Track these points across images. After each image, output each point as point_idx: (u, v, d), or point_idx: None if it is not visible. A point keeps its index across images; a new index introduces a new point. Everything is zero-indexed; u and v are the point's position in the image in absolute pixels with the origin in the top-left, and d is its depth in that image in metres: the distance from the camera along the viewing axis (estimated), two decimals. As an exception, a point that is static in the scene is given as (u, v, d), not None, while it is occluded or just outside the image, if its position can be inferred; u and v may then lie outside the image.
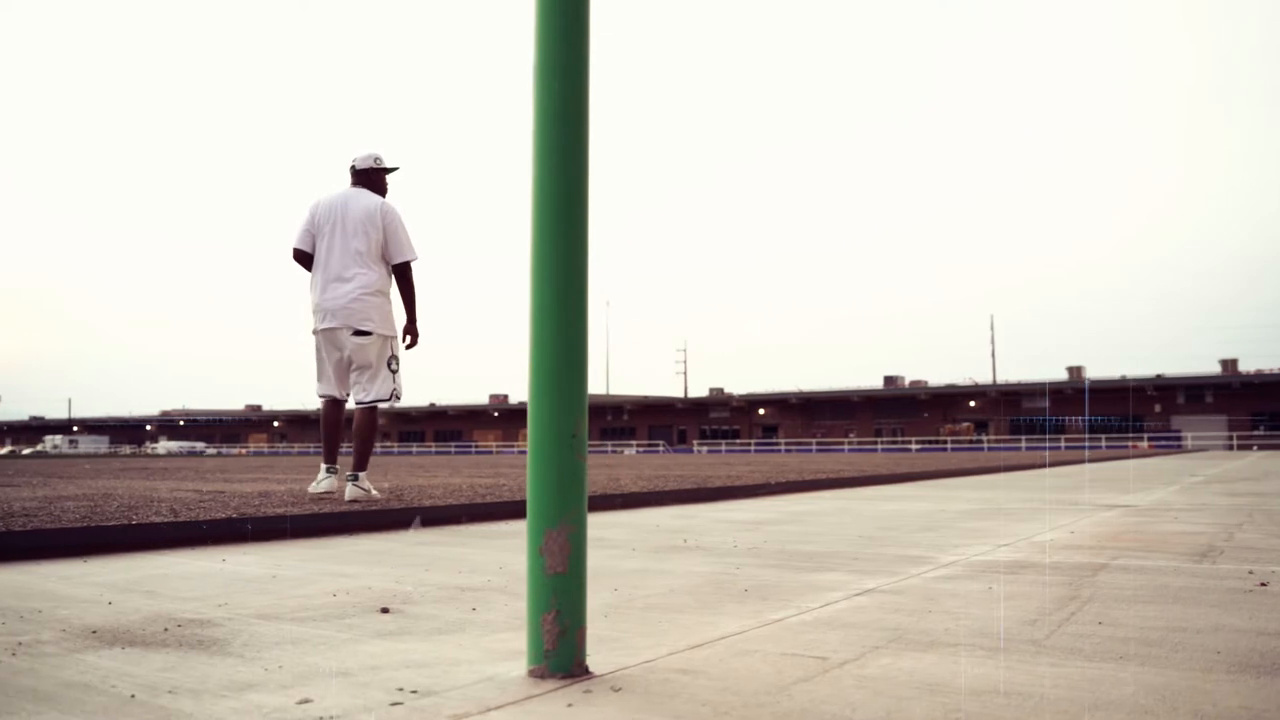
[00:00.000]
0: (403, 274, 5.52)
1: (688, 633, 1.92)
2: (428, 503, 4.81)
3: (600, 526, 4.38)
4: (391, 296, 5.56)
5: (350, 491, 5.23)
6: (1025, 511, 5.18)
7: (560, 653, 1.53)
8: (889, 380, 71.48)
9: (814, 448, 60.58)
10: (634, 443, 75.03)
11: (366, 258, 5.38)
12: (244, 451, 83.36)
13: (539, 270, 1.57)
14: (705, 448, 67.20)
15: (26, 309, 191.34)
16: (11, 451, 78.96)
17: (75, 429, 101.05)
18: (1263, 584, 2.47)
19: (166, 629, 1.98)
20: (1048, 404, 60.65)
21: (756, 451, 54.81)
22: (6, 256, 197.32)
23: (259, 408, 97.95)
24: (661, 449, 67.17)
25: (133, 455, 60.36)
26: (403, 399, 5.64)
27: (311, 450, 79.39)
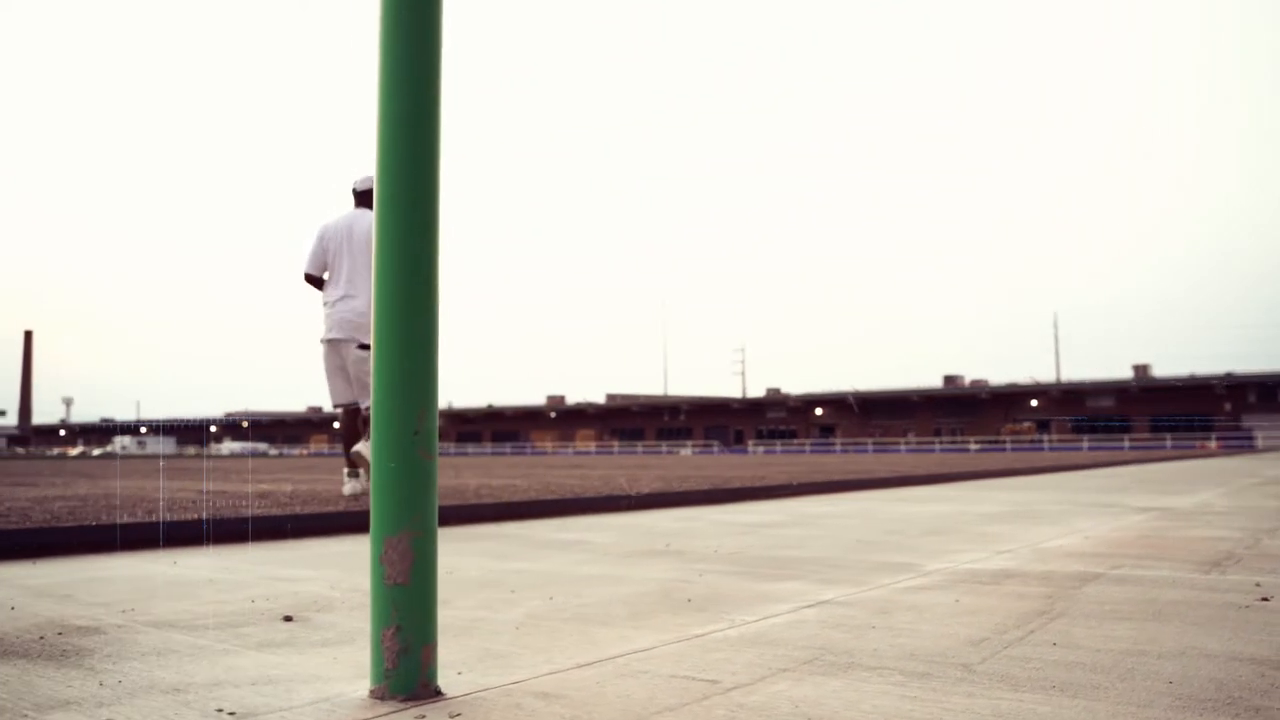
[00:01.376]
0: None
1: (591, 648, 1.74)
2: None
3: (590, 529, 4.22)
4: None
5: (350, 488, 5.60)
6: (1053, 514, 4.90)
7: (402, 672, 1.37)
8: (948, 379, 70.19)
9: (870, 448, 59.70)
10: (689, 443, 74.73)
11: (370, 277, 5.37)
12: (304, 452, 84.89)
13: (382, 249, 1.41)
14: (761, 448, 66.69)
15: (99, 316, 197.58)
16: (82, 453, 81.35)
17: (143, 430, 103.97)
18: (1265, 599, 2.21)
19: (44, 637, 1.86)
20: (1112, 403, 58.96)
21: (812, 452, 54.17)
22: (81, 267, 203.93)
23: (320, 409, 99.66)
24: (715, 449, 66.80)
25: (196, 456, 61.83)
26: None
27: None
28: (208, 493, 5.64)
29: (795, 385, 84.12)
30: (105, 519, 3.61)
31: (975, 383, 68.59)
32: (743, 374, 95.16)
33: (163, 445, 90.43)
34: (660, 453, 60.17)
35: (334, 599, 2.34)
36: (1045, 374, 73.23)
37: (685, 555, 3.23)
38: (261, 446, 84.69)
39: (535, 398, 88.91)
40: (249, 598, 2.35)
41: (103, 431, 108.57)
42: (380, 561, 1.38)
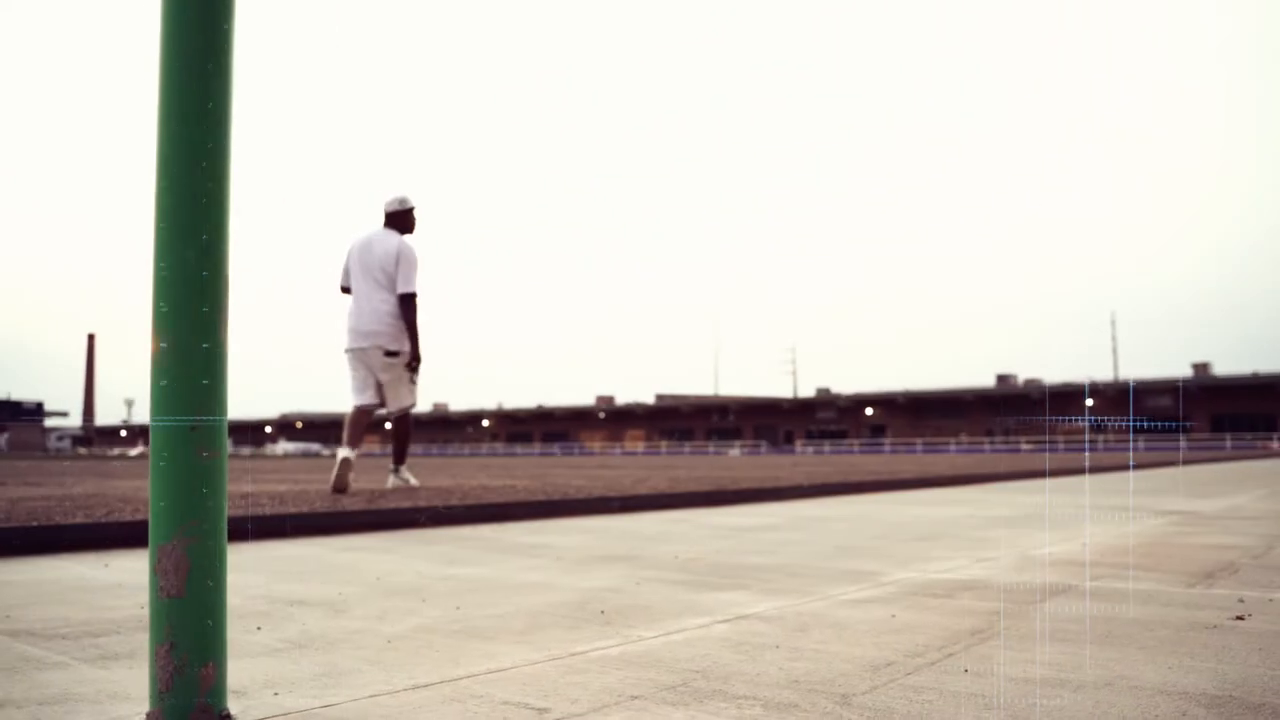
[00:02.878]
0: (404, 304, 6.08)
1: (449, 667, 1.58)
2: (402, 504, 4.57)
3: (566, 533, 4.05)
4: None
5: (391, 481, 6.33)
6: (1062, 518, 4.63)
7: (177, 694, 1.21)
8: (1001, 379, 68.84)
9: (919, 448, 58.73)
10: (737, 444, 74.27)
11: (390, 290, 6.10)
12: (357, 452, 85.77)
13: (160, 228, 1.26)
14: (810, 448, 66.02)
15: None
16: (141, 453, 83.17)
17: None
18: (1239, 617, 1.97)
19: (-115, 647, 1.75)
20: (1170, 402, 57.28)
21: (860, 453, 53.44)
22: (142, 271, 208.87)
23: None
24: (763, 450, 66.29)
25: (251, 456, 62.89)
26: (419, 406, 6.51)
27: (418, 452, 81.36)
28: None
29: (846, 385, 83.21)
30: (59, 520, 3.53)
31: (1029, 382, 67.19)
32: (793, 373, 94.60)
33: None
34: (707, 453, 59.84)
35: (254, 607, 2.20)
36: (1101, 373, 71.43)
37: (641, 561, 3.05)
38: (315, 446, 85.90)
39: (586, 398, 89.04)
40: (142, 603, 2.22)
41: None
42: (155, 571, 1.23)
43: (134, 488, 6.25)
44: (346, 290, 6.27)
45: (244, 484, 7.35)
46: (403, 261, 6.08)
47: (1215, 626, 1.88)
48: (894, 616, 2.03)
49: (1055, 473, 11.06)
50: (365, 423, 6.20)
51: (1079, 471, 11.75)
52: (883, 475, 8.45)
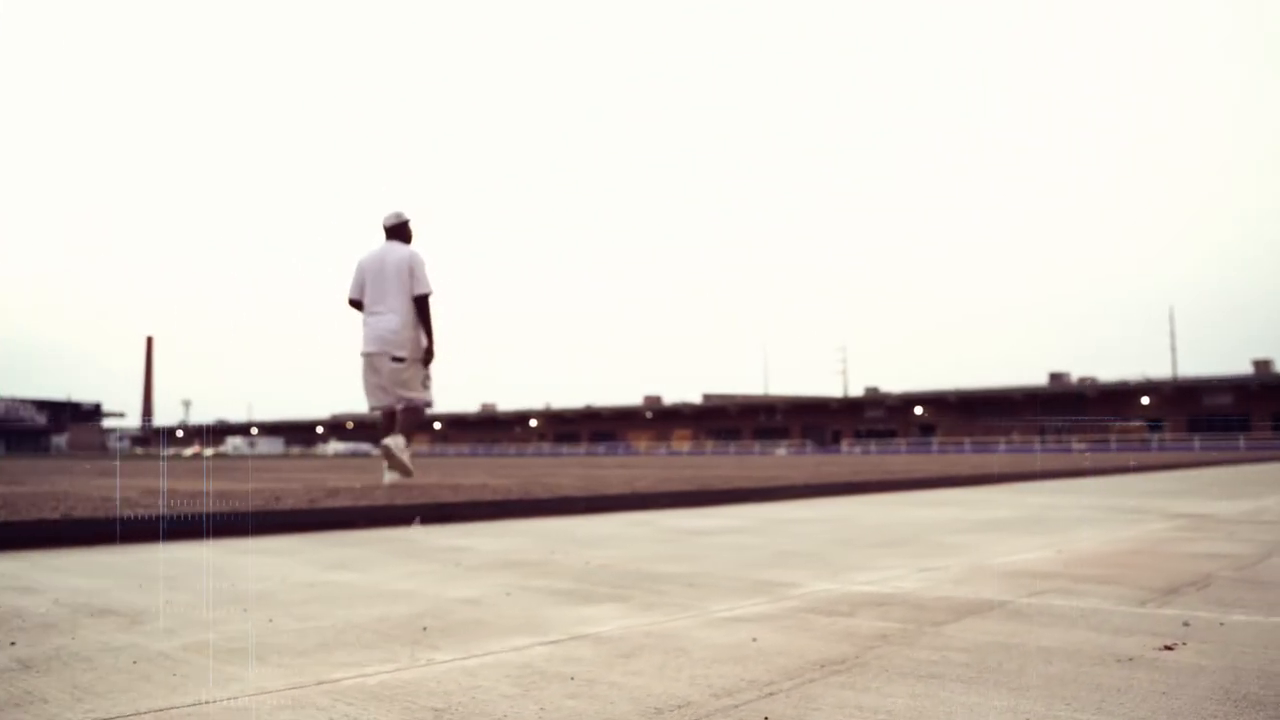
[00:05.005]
0: (420, 304, 6.62)
1: (164, 694, 1.31)
2: (341, 504, 4.33)
3: (500, 535, 3.77)
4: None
5: (387, 478, 6.43)
6: (1060, 522, 4.24)
7: None
8: (1054, 376, 67.24)
9: (967, 448, 57.58)
10: (783, 443, 73.56)
11: (401, 299, 6.58)
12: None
13: None
14: (858, 448, 65.13)
15: (214, 321, 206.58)
16: (195, 453, 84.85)
17: (254, 431, 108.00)
18: (1168, 647, 1.63)
19: None
20: (1229, 400, 55.37)
21: (907, 452, 52.50)
22: (199, 279, 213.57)
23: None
24: (808, 450, 65.53)
25: (301, 456, 63.78)
26: (433, 407, 6.96)
27: (465, 452, 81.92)
28: (178, 492, 5.40)
29: (897, 383, 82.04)
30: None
31: (1083, 380, 65.55)
32: (844, 372, 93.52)
33: (269, 446, 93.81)
34: (752, 453, 59.35)
35: (49, 617, 1.96)
36: (1158, 371, 69.37)
37: (544, 568, 2.76)
38: (364, 446, 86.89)
39: (634, 398, 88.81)
40: (-70, 616, 1.99)
41: (217, 432, 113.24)
42: None
43: (107, 486, 6.11)
44: (354, 303, 6.78)
45: (230, 482, 7.20)
46: (416, 266, 6.63)
47: (1131, 660, 1.54)
48: (754, 640, 1.72)
49: (1091, 473, 10.55)
50: (389, 423, 6.68)
51: (1117, 471, 11.21)
52: (894, 475, 8.06)
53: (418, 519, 4.18)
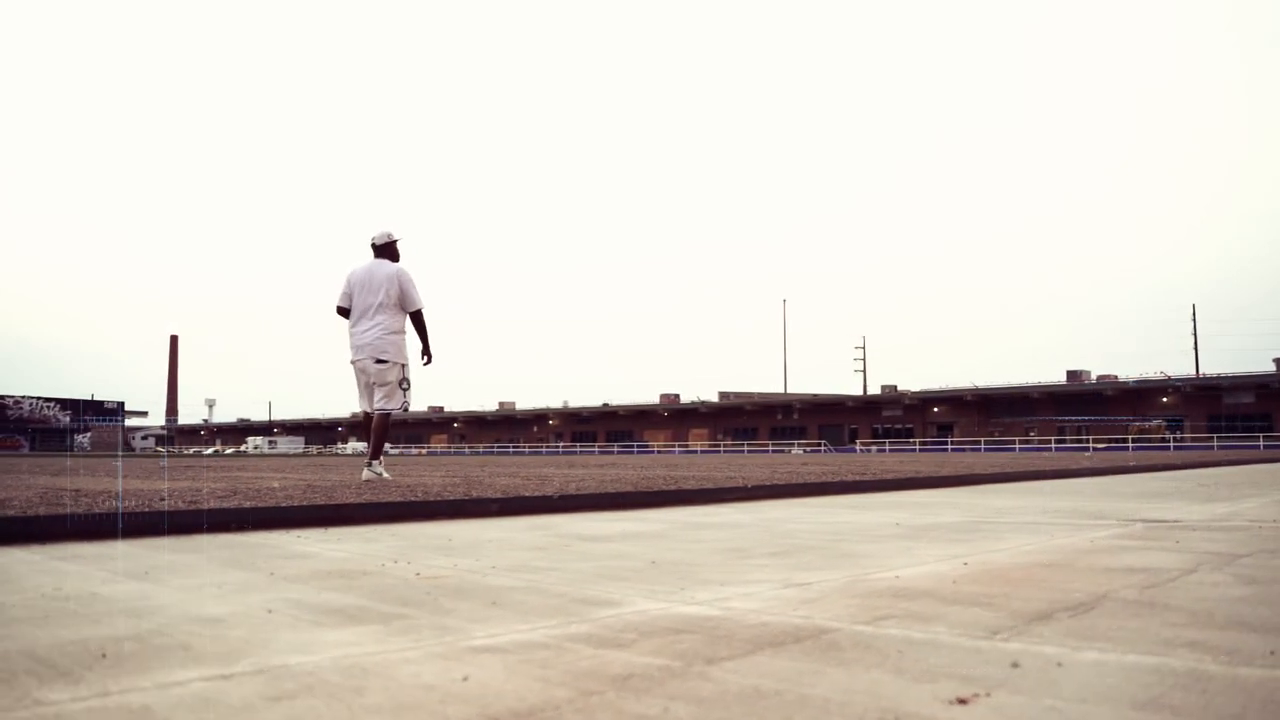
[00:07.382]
0: (416, 318, 7.42)
1: None
2: (250, 504, 4.03)
3: (374, 539, 3.46)
4: (408, 333, 7.48)
5: (365, 474, 7.14)
6: (998, 528, 3.89)
7: None
8: (1072, 375, 66.31)
9: (982, 447, 56.84)
10: (798, 442, 73.04)
11: (385, 308, 7.25)
12: (423, 451, 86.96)
13: None
14: (873, 447, 64.52)
15: (236, 320, 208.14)
16: (215, 451, 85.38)
17: (275, 430, 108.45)
18: (961, 700, 1.29)
19: None
20: (1251, 399, 54.30)
21: (920, 451, 51.83)
22: (223, 280, 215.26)
23: (441, 409, 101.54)
24: (823, 449, 64.94)
25: (319, 454, 63.93)
26: (410, 409, 7.59)
27: (481, 450, 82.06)
28: (161, 491, 5.13)
29: (915, 381, 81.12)
30: None
31: (1103, 378, 64.61)
32: (863, 371, 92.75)
33: (289, 445, 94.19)
34: (765, 452, 58.91)
35: None
36: (1179, 370, 68.17)
37: (361, 580, 2.44)
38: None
39: (652, 397, 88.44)
40: None
41: (239, 431, 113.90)
42: None
43: (81, 484, 5.86)
44: (342, 312, 7.47)
45: (211, 481, 6.95)
46: (405, 284, 7.30)
47: (912, 716, 1.20)
48: (465, 679, 1.39)
49: (1085, 473, 10.13)
50: (368, 424, 7.53)
51: (1114, 471, 10.79)
52: (866, 476, 7.71)
53: (249, 522, 3.90)
